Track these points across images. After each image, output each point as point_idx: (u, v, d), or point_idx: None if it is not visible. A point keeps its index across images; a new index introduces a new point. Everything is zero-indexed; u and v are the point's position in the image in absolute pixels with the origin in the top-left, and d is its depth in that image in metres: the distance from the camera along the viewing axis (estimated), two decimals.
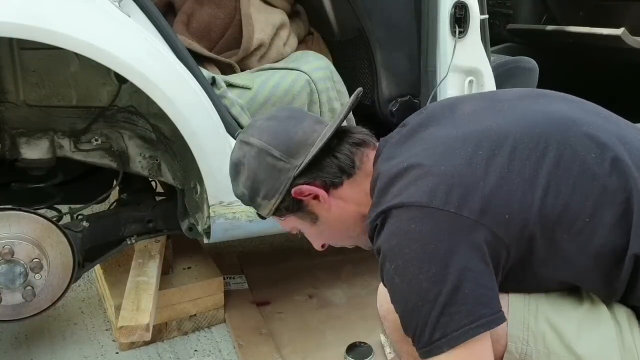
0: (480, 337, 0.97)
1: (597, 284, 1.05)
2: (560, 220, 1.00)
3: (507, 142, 1.03)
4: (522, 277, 1.06)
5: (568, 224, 1.00)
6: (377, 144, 1.20)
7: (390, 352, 1.85)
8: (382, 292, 1.20)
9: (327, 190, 1.17)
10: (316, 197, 1.17)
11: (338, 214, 1.20)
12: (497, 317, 0.99)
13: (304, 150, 1.15)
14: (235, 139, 1.24)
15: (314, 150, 1.14)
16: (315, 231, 1.25)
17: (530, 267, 1.04)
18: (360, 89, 1.21)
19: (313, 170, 1.15)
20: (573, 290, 1.10)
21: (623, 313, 1.05)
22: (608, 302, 1.07)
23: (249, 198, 1.22)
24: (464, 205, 0.98)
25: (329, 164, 1.16)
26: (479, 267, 0.98)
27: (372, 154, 1.19)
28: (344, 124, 1.21)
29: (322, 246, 1.32)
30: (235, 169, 1.22)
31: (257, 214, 1.27)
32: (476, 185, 1.00)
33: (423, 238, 0.99)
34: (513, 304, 1.08)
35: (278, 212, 1.21)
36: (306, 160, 1.14)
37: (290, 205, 1.19)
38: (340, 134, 1.17)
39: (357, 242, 1.28)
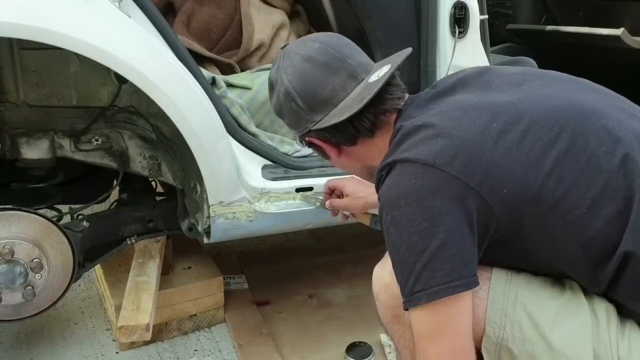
0: (458, 296, 1.02)
1: (583, 273, 1.07)
2: (557, 205, 1.01)
3: (522, 121, 1.05)
4: (513, 252, 1.09)
5: (565, 211, 1.02)
6: (403, 102, 1.20)
7: (390, 352, 1.85)
8: (377, 272, 1.26)
9: (338, 147, 1.23)
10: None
11: (347, 164, 1.29)
12: (474, 280, 1.04)
13: (326, 109, 1.18)
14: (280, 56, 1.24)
15: (331, 120, 1.16)
16: (330, 162, 1.33)
17: (520, 244, 1.07)
18: (409, 48, 1.21)
19: (330, 129, 1.18)
20: (557, 280, 1.12)
21: (603, 307, 1.07)
22: (591, 293, 1.08)
23: (277, 115, 1.30)
24: (466, 171, 1.01)
25: (346, 129, 1.18)
26: (466, 231, 1.02)
27: (395, 115, 1.20)
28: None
29: None
30: (270, 86, 1.27)
31: None
32: (482, 155, 1.02)
33: (420, 194, 1.03)
34: (493, 290, 1.11)
35: (299, 139, 1.29)
36: (322, 124, 1.18)
37: (306, 143, 1.28)
38: (371, 99, 1.14)
39: (366, 180, 1.36)
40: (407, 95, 1.22)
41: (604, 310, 1.06)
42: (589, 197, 1.01)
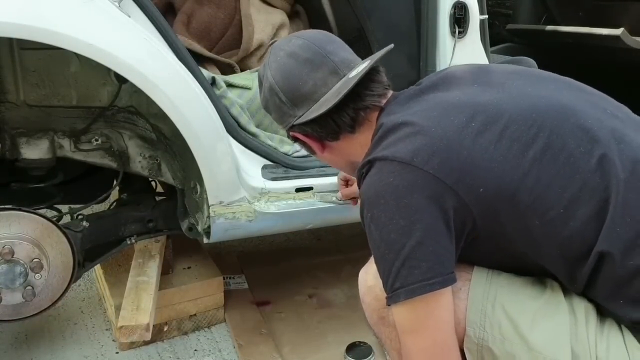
0: (436, 293, 1.04)
1: (561, 271, 1.07)
2: (534, 205, 1.02)
3: (501, 120, 1.06)
4: (492, 249, 1.10)
5: (542, 210, 1.02)
6: (385, 100, 1.21)
7: None
8: (361, 276, 1.27)
9: (321, 142, 1.25)
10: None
11: (331, 159, 1.31)
12: (451, 277, 1.05)
13: (307, 104, 1.19)
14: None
15: (310, 114, 1.17)
16: (316, 157, 1.35)
17: (499, 242, 1.08)
18: (391, 45, 1.21)
19: (311, 124, 1.20)
20: (538, 280, 1.13)
21: (582, 307, 1.07)
22: (571, 292, 1.09)
23: (265, 110, 1.32)
24: (443, 169, 1.03)
25: (327, 123, 1.19)
26: (442, 229, 1.04)
27: (375, 114, 1.20)
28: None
29: None
30: (259, 82, 1.30)
31: None
32: (459, 154, 1.03)
33: (398, 192, 1.04)
34: (473, 290, 1.12)
35: (287, 134, 1.30)
36: (303, 119, 1.19)
37: (291, 138, 1.30)
38: (351, 93, 1.14)
39: (350, 175, 1.38)
40: (390, 92, 1.23)
41: (583, 309, 1.07)
42: (565, 197, 1.02)
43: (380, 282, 1.11)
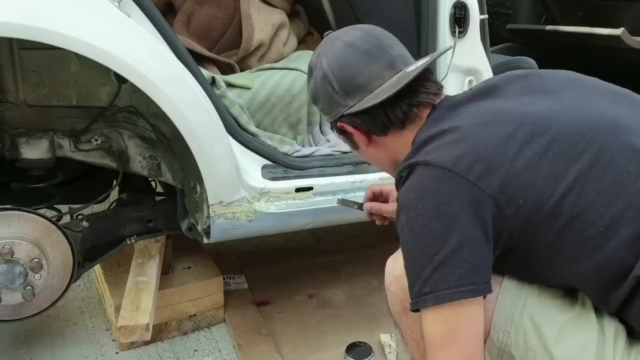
0: (467, 302, 1.01)
1: (595, 291, 1.05)
2: (574, 221, 1.00)
3: (549, 132, 1.04)
4: (524, 262, 1.08)
5: (581, 227, 1.00)
6: (438, 100, 1.20)
7: (390, 352, 1.85)
8: (389, 264, 1.26)
9: (369, 135, 1.22)
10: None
11: (374, 155, 1.28)
12: (485, 287, 1.02)
13: (360, 94, 1.17)
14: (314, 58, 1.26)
15: (364, 104, 1.16)
16: (357, 152, 1.32)
17: (533, 255, 1.06)
18: (449, 46, 1.22)
19: (362, 115, 1.18)
20: (569, 293, 1.10)
21: (612, 326, 1.05)
22: (602, 311, 1.07)
23: (312, 101, 1.31)
24: (484, 178, 1.01)
25: (378, 116, 1.17)
26: (480, 238, 1.01)
27: (428, 111, 1.19)
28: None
29: None
30: (309, 71, 1.28)
31: None
32: (502, 164, 1.02)
33: (437, 197, 1.03)
34: (503, 294, 1.10)
35: (331, 125, 1.29)
36: (355, 108, 1.17)
37: (337, 129, 1.27)
38: (407, 88, 1.14)
39: (392, 175, 1.33)
40: (443, 94, 1.21)
41: (613, 329, 1.04)
42: (608, 215, 0.99)
43: None
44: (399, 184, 1.13)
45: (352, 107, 1.18)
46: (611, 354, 1.02)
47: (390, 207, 1.51)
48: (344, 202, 1.61)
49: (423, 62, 1.15)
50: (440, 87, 1.21)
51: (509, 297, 1.10)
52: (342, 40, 1.21)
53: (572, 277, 1.06)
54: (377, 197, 1.56)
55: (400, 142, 1.20)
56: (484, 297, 1.04)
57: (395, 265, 1.23)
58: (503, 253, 1.06)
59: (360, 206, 1.55)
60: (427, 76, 1.18)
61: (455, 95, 1.21)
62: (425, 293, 1.02)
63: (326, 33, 1.29)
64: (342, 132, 1.26)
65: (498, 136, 1.04)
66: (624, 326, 1.05)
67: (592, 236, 1.00)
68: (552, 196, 1.00)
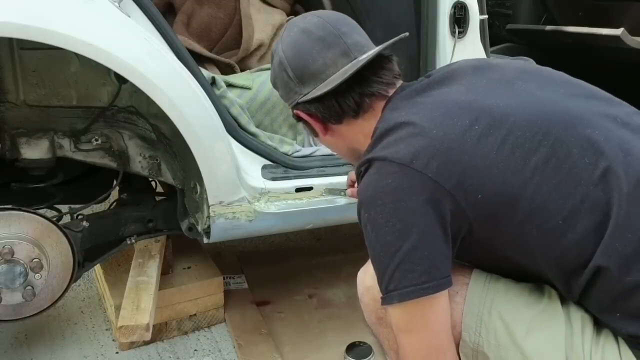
0: (431, 297, 1.03)
1: (557, 280, 1.06)
2: (533, 214, 1.01)
3: (505, 124, 1.04)
4: (487, 255, 1.10)
5: (540, 220, 1.01)
6: (392, 90, 1.19)
7: None
8: (360, 276, 1.26)
9: (324, 123, 1.22)
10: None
11: (332, 143, 1.29)
12: (446, 281, 1.04)
13: (314, 82, 1.17)
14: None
15: (316, 92, 1.16)
16: (318, 139, 1.32)
17: (496, 248, 1.07)
18: (406, 33, 1.21)
19: (316, 103, 1.18)
20: (536, 287, 1.12)
21: (579, 316, 1.06)
22: (569, 301, 1.08)
23: (273, 86, 1.30)
24: (442, 173, 1.01)
25: (332, 104, 1.17)
26: (439, 233, 1.03)
27: (381, 103, 1.18)
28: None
29: None
30: (271, 56, 1.27)
31: None
32: (460, 158, 1.02)
33: (396, 194, 1.03)
34: (470, 295, 1.11)
35: (292, 114, 1.28)
36: (309, 97, 1.17)
37: (294, 116, 1.27)
38: (360, 78, 1.14)
39: (353, 163, 1.34)
40: (399, 83, 1.20)
41: (580, 319, 1.06)
42: (566, 208, 1.00)
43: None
44: (358, 179, 1.13)
45: (305, 95, 1.18)
46: (580, 343, 1.03)
47: None
48: (330, 192, 1.64)
49: (375, 50, 1.15)
50: (397, 75, 1.20)
51: (476, 297, 1.11)
52: (299, 26, 1.20)
53: (534, 267, 1.07)
54: (354, 184, 1.58)
55: (355, 131, 1.20)
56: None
57: (365, 277, 1.24)
58: (465, 247, 1.07)
59: (344, 192, 1.59)
60: (382, 64, 1.17)
61: (411, 83, 1.20)
62: (390, 290, 1.05)
63: (288, 18, 1.29)
64: (299, 120, 1.26)
65: (455, 130, 1.04)
66: (589, 315, 1.07)
67: (551, 229, 1.01)
68: (511, 189, 1.00)
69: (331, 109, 1.18)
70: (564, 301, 1.08)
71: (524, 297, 1.10)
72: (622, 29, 2.75)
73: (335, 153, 1.39)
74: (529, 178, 1.00)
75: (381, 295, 1.08)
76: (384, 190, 1.04)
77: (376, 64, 1.15)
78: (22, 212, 1.56)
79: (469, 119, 1.05)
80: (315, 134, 1.28)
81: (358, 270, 1.29)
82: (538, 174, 1.00)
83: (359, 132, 1.20)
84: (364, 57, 1.14)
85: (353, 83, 1.14)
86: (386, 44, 1.16)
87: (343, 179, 1.86)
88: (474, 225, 1.04)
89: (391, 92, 1.19)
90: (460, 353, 1.12)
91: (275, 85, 1.28)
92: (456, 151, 1.02)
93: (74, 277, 1.65)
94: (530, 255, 1.05)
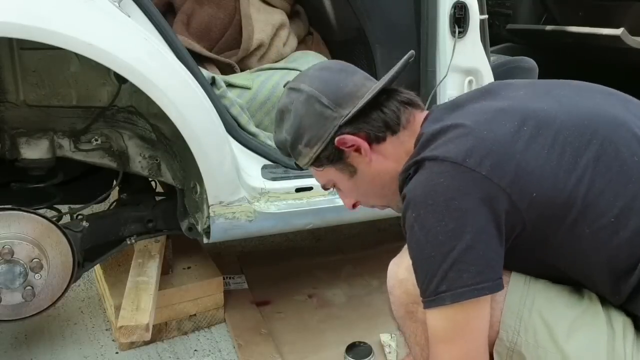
0: (481, 299, 1.01)
1: (605, 282, 1.05)
2: (585, 212, 1.00)
3: (553, 125, 1.04)
4: (534, 255, 1.08)
5: (592, 218, 1.00)
6: (424, 106, 1.22)
7: (389, 352, 1.85)
8: (392, 268, 1.23)
9: (369, 144, 1.18)
10: (358, 149, 1.17)
11: (377, 169, 1.20)
12: (499, 283, 1.02)
13: (352, 102, 1.16)
14: (284, 87, 1.25)
15: (362, 102, 1.14)
16: (350, 185, 1.25)
17: (544, 248, 1.06)
18: (412, 52, 1.21)
19: (359, 121, 1.16)
20: (576, 289, 1.10)
21: (620, 320, 1.05)
22: (609, 305, 1.07)
23: (291, 145, 1.22)
24: (496, 172, 1.00)
25: (375, 117, 1.16)
26: (493, 233, 1.01)
27: (419, 115, 1.19)
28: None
29: (354, 205, 1.32)
30: (281, 115, 1.22)
31: (295, 164, 1.28)
32: (512, 157, 1.01)
33: (448, 193, 1.01)
34: (510, 294, 1.09)
35: (317, 161, 1.21)
36: (354, 110, 1.15)
37: (331, 155, 1.19)
38: (389, 92, 1.18)
39: (390, 202, 1.28)
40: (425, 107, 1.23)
41: (621, 323, 1.05)
42: (617, 206, 0.99)
43: (412, 277, 1.08)
44: (405, 182, 1.10)
45: (347, 114, 1.15)
46: (621, 347, 1.02)
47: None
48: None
49: (402, 61, 1.18)
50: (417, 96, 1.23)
51: (517, 295, 1.09)
52: (313, 69, 1.23)
53: (582, 268, 1.06)
54: None
55: (399, 150, 1.18)
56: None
57: (398, 269, 1.22)
58: (512, 246, 1.05)
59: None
60: (399, 88, 1.22)
61: (444, 103, 1.22)
62: (442, 291, 1.01)
63: (285, 84, 1.27)
64: (337, 155, 1.19)
65: (504, 130, 1.03)
66: (631, 319, 1.06)
67: (603, 227, 1.00)
68: (564, 188, 1.00)
69: (376, 123, 1.16)
70: (604, 304, 1.07)
71: (565, 298, 1.09)
72: (622, 29, 2.75)
73: (370, 201, 1.30)
74: (581, 176, 1.00)
75: (426, 297, 1.04)
76: (435, 190, 1.02)
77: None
78: (22, 212, 1.55)
79: (517, 121, 1.05)
80: (353, 171, 1.21)
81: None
82: (589, 172, 1.00)
83: (402, 150, 1.17)
84: (392, 70, 1.17)
85: (389, 97, 1.16)
86: (399, 65, 1.19)
87: None
88: (527, 225, 1.02)
89: (421, 103, 1.21)
90: (494, 352, 1.11)
91: (297, 134, 1.19)
92: (508, 150, 1.02)
93: (74, 277, 1.65)
94: (580, 256, 1.04)
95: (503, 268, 1.07)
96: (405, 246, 1.10)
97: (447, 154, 1.03)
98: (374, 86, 1.17)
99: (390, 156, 1.19)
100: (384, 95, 1.17)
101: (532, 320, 1.07)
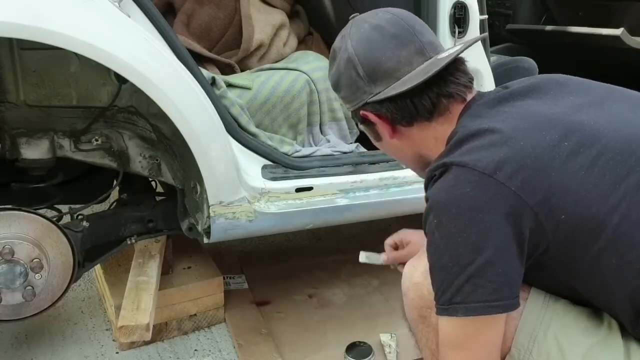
0: (495, 316, 0.98)
1: (625, 315, 1.01)
2: (615, 243, 0.96)
3: (597, 144, 0.98)
4: (554, 277, 1.05)
5: (622, 250, 0.96)
6: (470, 96, 1.13)
7: (389, 352, 1.85)
8: (408, 269, 1.21)
9: (393, 126, 1.15)
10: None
11: (397, 148, 1.19)
12: (515, 302, 0.99)
13: (387, 81, 1.10)
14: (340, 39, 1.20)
15: (391, 91, 1.09)
16: (379, 144, 1.25)
17: (566, 272, 1.02)
18: (485, 34, 1.16)
19: (387, 103, 1.11)
20: (596, 313, 1.07)
21: (639, 354, 1.01)
22: (629, 334, 1.03)
23: (333, 88, 1.24)
24: (526, 188, 0.95)
25: (405, 105, 1.10)
26: (515, 251, 0.97)
27: (458, 107, 1.12)
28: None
29: None
30: (333, 54, 1.21)
31: None
32: (547, 174, 0.96)
33: (474, 204, 0.97)
34: (527, 312, 1.06)
35: (353, 114, 1.22)
36: (381, 96, 1.11)
37: (359, 119, 1.19)
38: (436, 76, 1.07)
39: (413, 170, 1.28)
40: (475, 90, 1.15)
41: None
42: None
43: (427, 281, 1.05)
44: (430, 182, 1.06)
45: (377, 94, 1.11)
46: None
47: (404, 253, 1.49)
48: (368, 258, 1.62)
49: (456, 49, 1.08)
50: (471, 79, 1.13)
51: (534, 314, 1.06)
52: (370, 22, 1.14)
53: (604, 296, 1.02)
54: (395, 247, 1.54)
55: (427, 135, 1.13)
56: None
57: (414, 272, 1.19)
58: (533, 263, 1.01)
59: (384, 260, 1.56)
60: (457, 66, 1.11)
61: (489, 92, 1.14)
62: (456, 302, 0.99)
63: (352, 15, 1.22)
64: (363, 122, 1.19)
65: (543, 143, 0.98)
66: None
67: (633, 260, 0.95)
68: (596, 214, 0.95)
69: (404, 110, 1.11)
70: (624, 333, 1.03)
71: (583, 323, 1.05)
72: (622, 29, 2.76)
73: (395, 159, 1.31)
74: (617, 204, 0.95)
75: (439, 305, 1.02)
76: (461, 199, 0.98)
77: (452, 65, 1.08)
78: (22, 212, 1.55)
79: (559, 133, 0.99)
80: (377, 138, 1.21)
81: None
82: (626, 201, 0.95)
83: (432, 136, 1.13)
84: (445, 56, 1.08)
85: (430, 83, 1.07)
86: (467, 44, 1.11)
87: (343, 179, 1.86)
88: (551, 246, 0.98)
89: (469, 96, 1.12)
90: None
91: (336, 85, 1.19)
92: (543, 166, 0.96)
93: (74, 277, 1.65)
94: (602, 287, 1.00)
95: (525, 283, 1.04)
96: (424, 247, 1.07)
97: (478, 162, 0.98)
98: (413, 73, 1.09)
99: (416, 139, 1.15)
100: (431, 79, 1.07)
101: (547, 343, 1.04)
